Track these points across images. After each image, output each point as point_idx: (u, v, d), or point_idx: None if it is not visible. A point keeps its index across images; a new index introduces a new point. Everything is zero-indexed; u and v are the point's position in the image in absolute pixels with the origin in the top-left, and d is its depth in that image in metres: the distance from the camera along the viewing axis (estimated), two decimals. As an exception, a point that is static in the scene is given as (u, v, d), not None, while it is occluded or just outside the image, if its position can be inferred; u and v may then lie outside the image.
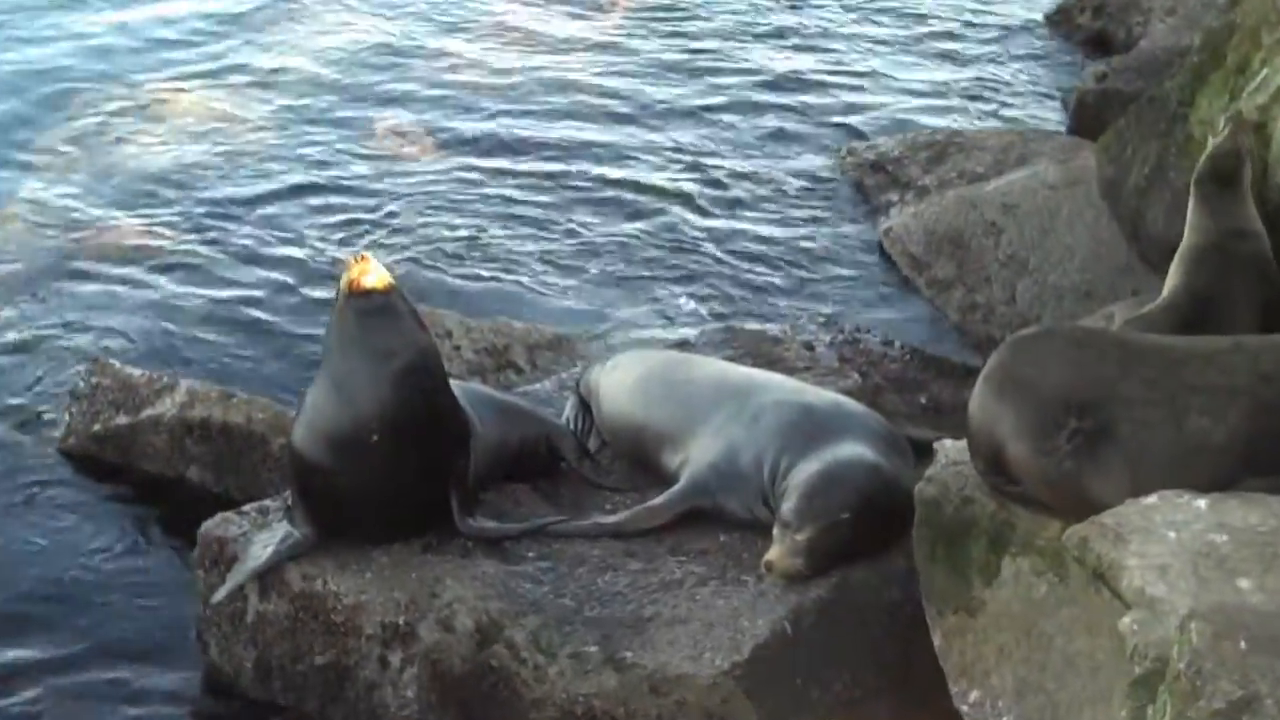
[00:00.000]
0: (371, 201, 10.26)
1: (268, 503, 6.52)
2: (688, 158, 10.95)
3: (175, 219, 9.99)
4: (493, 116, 11.39)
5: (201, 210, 10.10)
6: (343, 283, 6.09)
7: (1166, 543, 4.64)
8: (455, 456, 6.22)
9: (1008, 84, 12.21)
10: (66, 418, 7.84)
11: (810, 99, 11.87)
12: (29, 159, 10.68)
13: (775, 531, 5.90)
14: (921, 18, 13.48)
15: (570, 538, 6.23)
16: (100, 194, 10.23)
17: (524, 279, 9.51)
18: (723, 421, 6.36)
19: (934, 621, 5.47)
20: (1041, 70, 12.46)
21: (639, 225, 10.09)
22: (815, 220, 10.23)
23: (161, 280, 9.35)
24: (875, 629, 5.85)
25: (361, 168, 10.68)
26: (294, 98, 11.63)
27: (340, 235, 9.87)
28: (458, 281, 9.45)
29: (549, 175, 10.67)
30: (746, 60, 12.52)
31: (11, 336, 8.71)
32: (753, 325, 8.51)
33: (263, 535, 6.26)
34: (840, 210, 10.36)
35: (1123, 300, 8.04)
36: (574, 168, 10.77)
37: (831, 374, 7.37)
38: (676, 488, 6.34)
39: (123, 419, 7.67)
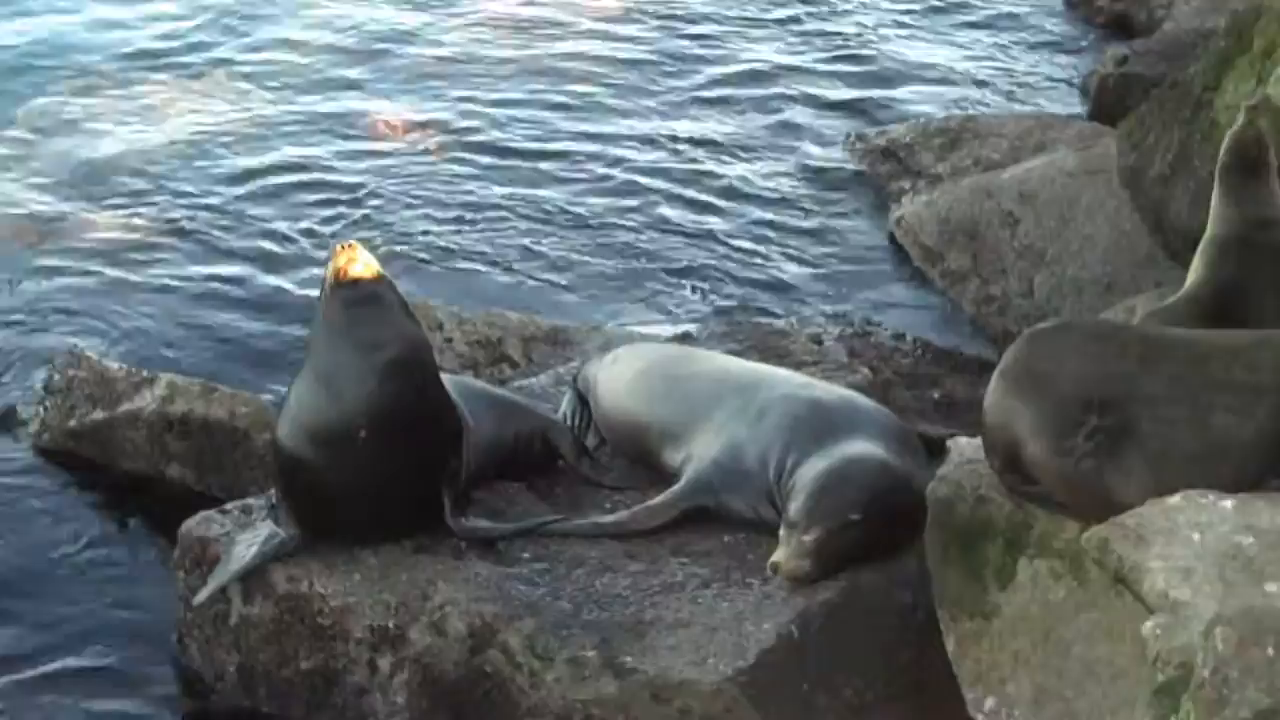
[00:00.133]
0: (359, 190, 10.27)
1: (251, 501, 6.52)
2: (689, 145, 10.95)
3: (155, 208, 10.00)
4: (486, 105, 11.39)
5: (181, 199, 10.11)
6: (329, 271, 6.08)
7: (1190, 545, 4.65)
8: (447, 453, 6.22)
9: (1025, 67, 12.21)
10: (40, 413, 7.84)
11: (818, 84, 11.87)
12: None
13: (781, 532, 5.90)
14: (934, -2, 13.50)
15: (567, 538, 6.23)
16: (77, 184, 10.24)
17: (518, 269, 9.52)
18: (726, 417, 6.36)
19: (947, 626, 5.48)
20: (1060, 53, 12.46)
21: (639, 214, 10.10)
22: (824, 209, 10.23)
23: (141, 270, 9.36)
24: (886, 634, 5.85)
25: (348, 156, 10.69)
26: (277, 86, 11.63)
27: (326, 224, 9.88)
28: (449, 271, 9.46)
29: (544, 164, 10.67)
30: (750, 44, 12.51)
31: (-18, 328, 8.73)
32: (758, 318, 8.54)
33: (246, 535, 6.26)
34: (850, 199, 10.37)
35: (1145, 293, 8.05)
36: (571, 155, 10.78)
37: (840, 368, 7.38)
38: (678, 486, 6.34)
39: (99, 414, 7.67)
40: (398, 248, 9.57)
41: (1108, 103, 10.65)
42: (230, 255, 9.55)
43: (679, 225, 9.98)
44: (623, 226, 9.95)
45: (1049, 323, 5.76)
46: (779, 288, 9.40)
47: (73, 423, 7.72)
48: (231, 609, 6.23)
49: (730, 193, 10.37)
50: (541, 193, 10.30)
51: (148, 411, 7.57)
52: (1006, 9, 13.23)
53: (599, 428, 6.90)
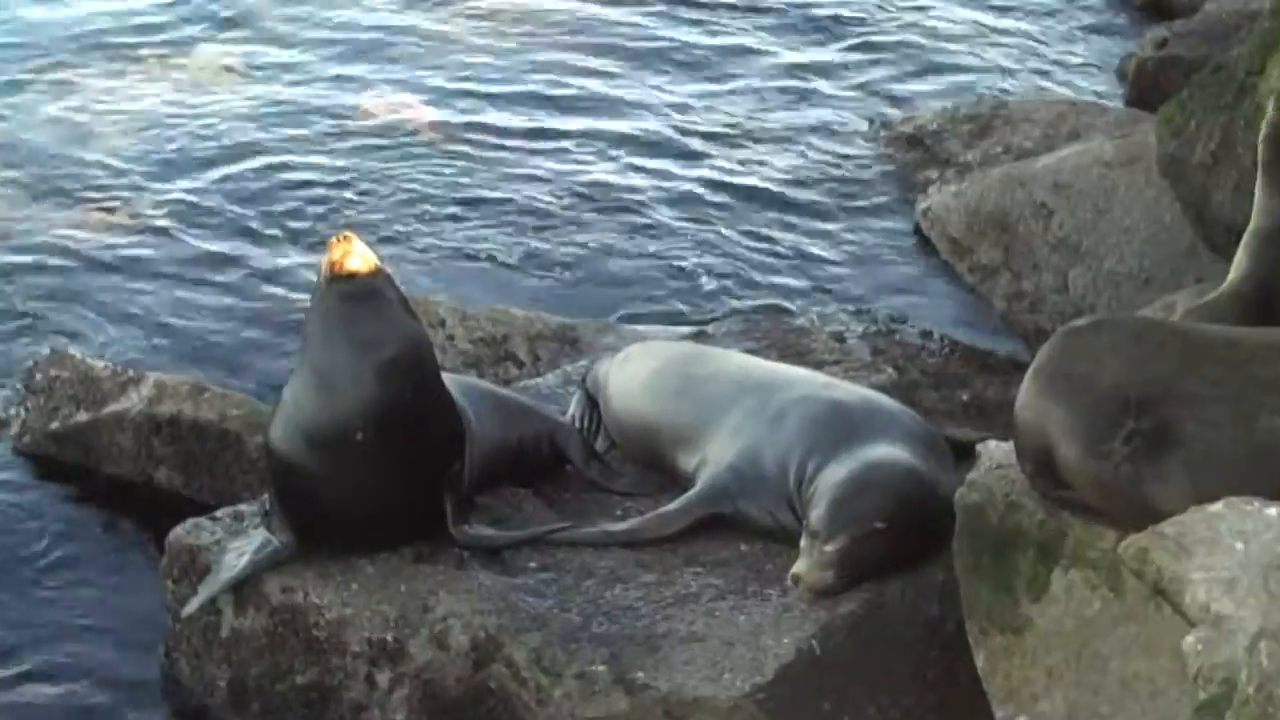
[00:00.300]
0: (356, 182, 10.28)
1: (243, 507, 6.54)
2: (702, 134, 10.95)
3: (140, 201, 10.02)
4: (489, 98, 11.38)
5: (168, 192, 10.13)
6: (324, 265, 6.09)
7: (1234, 554, 4.63)
8: (449, 457, 6.24)
9: (1058, 50, 12.21)
10: (21, 415, 7.86)
11: (841, 69, 11.87)
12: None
13: (802, 542, 5.90)
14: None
15: (576, 547, 6.24)
16: (61, 177, 10.25)
17: (524, 263, 9.53)
18: (743, 419, 6.37)
19: (977, 640, 5.48)
20: (1095, 35, 12.47)
21: (651, 206, 10.10)
22: (846, 200, 10.24)
23: (126, 265, 9.38)
24: (912, 649, 5.86)
25: (344, 147, 10.70)
26: (271, 77, 11.64)
27: (321, 216, 9.89)
28: (451, 265, 9.47)
29: (550, 155, 10.68)
30: (764, 27, 12.50)
31: (-41, 328, 8.76)
32: (777, 314, 8.54)
33: (238, 543, 6.27)
34: (874, 189, 10.37)
35: (1185, 289, 8.05)
36: (578, 146, 10.79)
37: (864, 368, 7.38)
38: (693, 492, 6.35)
39: (83, 416, 7.69)
40: (396, 240, 9.58)
41: (1146, 87, 10.66)
42: (221, 249, 9.56)
43: (693, 217, 9.99)
44: (634, 219, 9.95)
45: (1084, 320, 5.75)
46: (799, 283, 9.41)
47: (55, 425, 7.74)
48: (222, 621, 6.24)
49: (747, 183, 10.37)
50: (548, 184, 10.31)
51: (134, 413, 7.59)
52: (1040, -11, 13.24)
53: (609, 430, 6.91)
